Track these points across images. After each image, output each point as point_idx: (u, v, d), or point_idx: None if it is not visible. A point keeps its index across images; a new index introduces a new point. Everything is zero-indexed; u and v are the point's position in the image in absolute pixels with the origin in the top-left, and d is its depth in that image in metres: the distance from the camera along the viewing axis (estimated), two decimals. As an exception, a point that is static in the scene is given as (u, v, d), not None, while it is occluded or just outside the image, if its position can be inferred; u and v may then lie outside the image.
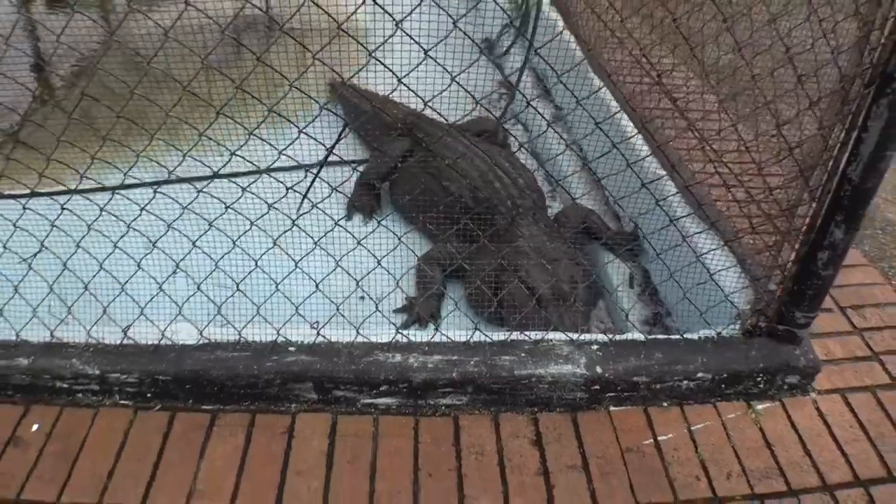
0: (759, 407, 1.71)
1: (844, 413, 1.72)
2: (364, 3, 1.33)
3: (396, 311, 2.24)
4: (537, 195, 2.56)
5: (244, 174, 1.78)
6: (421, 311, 2.22)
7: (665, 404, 1.70)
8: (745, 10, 1.51)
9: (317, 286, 1.67)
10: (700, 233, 1.87)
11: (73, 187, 1.60)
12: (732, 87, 1.66)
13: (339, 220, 1.62)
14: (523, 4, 3.76)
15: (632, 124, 2.42)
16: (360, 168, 2.92)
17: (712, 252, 1.76)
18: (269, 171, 1.59)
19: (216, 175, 1.50)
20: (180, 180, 1.58)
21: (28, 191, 1.61)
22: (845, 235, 1.45)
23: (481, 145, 2.74)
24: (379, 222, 1.82)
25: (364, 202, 2.80)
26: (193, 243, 1.65)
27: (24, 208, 1.65)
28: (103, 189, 1.81)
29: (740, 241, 1.74)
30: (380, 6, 1.49)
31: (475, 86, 1.61)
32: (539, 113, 1.65)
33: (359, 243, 1.60)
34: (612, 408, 1.70)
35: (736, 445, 1.63)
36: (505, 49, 3.86)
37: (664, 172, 2.06)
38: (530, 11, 3.56)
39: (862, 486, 1.56)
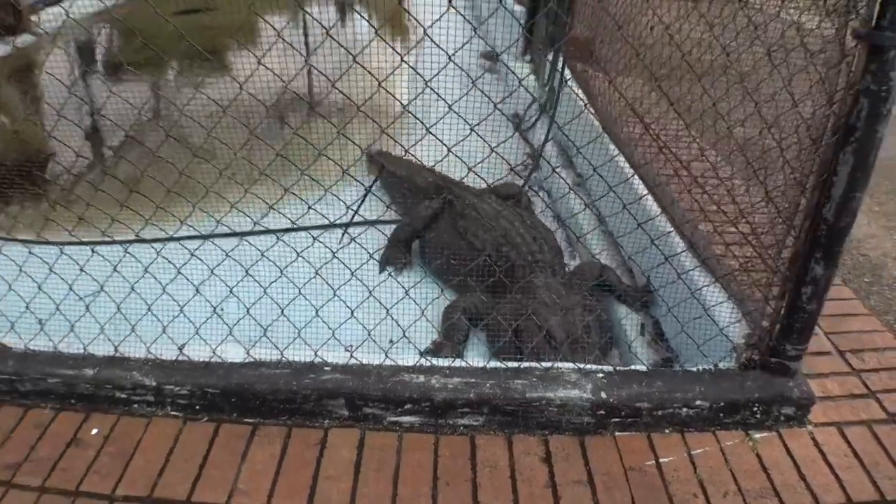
0: (757, 436, 1.86)
1: (840, 444, 1.85)
2: (408, 103, 1.62)
3: (424, 352, 2.45)
4: (555, 252, 2.78)
5: (294, 230, 2.04)
6: (446, 354, 2.41)
7: (667, 431, 1.86)
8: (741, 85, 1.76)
9: (352, 313, 1.90)
10: (693, 269, 2.06)
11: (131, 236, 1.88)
12: (724, 150, 1.90)
13: (373, 254, 1.87)
14: (548, 84, 4.12)
15: (643, 185, 2.65)
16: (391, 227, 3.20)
17: (706, 289, 1.95)
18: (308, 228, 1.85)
19: (291, 229, 1.77)
20: (237, 234, 1.85)
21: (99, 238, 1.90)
22: (825, 271, 1.64)
23: (505, 207, 2.99)
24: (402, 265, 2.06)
25: (395, 257, 3.04)
26: (246, 271, 1.90)
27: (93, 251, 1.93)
28: (167, 239, 2.10)
29: (736, 279, 1.93)
30: (436, 93, 1.75)
31: (507, 154, 1.90)
32: (562, 178, 1.91)
33: (389, 275, 1.84)
34: (616, 433, 1.86)
35: (733, 468, 1.77)
36: (531, 123, 4.19)
37: (671, 229, 2.28)
38: (555, 91, 3.90)
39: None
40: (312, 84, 4.78)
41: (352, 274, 1.88)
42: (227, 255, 1.94)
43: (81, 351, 1.95)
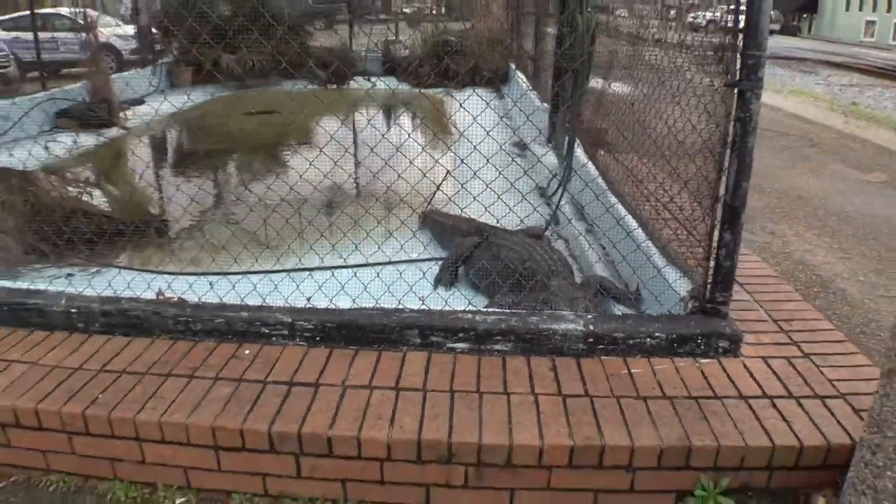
0: (702, 360, 2.79)
1: (763, 367, 2.75)
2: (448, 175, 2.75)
3: None
4: (566, 267, 3.80)
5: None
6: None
7: (637, 356, 2.80)
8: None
9: (423, 275, 2.94)
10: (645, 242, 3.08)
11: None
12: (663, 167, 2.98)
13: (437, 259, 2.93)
14: (565, 161, 5.29)
15: (628, 215, 3.71)
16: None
17: (658, 258, 2.96)
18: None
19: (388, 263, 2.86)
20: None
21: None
22: (732, 237, 2.64)
23: (530, 239, 4.06)
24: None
25: (446, 277, 4.10)
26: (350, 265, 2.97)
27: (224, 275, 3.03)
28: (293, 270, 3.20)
29: (679, 251, 2.94)
30: (480, 178, 2.89)
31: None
32: (575, 227, 2.98)
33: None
34: (602, 356, 2.81)
35: (682, 377, 2.69)
36: (552, 192, 5.32)
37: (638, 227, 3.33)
38: (569, 167, 5.06)
39: (768, 399, 2.57)
40: (359, 172, 6.11)
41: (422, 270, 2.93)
42: (332, 273, 3.01)
43: (239, 302, 3.00)
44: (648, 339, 2.79)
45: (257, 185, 6.35)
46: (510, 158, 4.00)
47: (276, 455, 2.42)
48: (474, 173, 3.14)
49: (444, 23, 14.25)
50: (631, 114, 3.57)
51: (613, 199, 3.99)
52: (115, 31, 15.77)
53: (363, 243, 4.45)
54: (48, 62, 10.56)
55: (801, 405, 2.52)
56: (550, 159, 5.96)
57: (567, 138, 5.24)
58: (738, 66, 2.45)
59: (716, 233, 2.69)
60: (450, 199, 2.95)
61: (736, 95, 2.49)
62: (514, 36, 11.73)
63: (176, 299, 3.06)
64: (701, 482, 2.35)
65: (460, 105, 3.34)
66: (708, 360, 2.78)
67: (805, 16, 46.78)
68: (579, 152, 5.06)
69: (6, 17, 17.43)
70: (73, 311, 3.04)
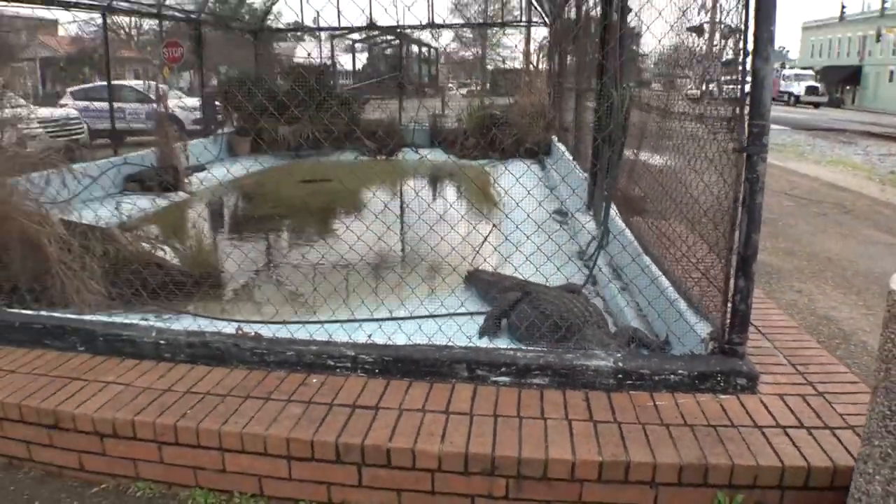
0: (721, 396, 3.13)
1: (778, 403, 3.07)
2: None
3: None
4: (600, 318, 4.19)
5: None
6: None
7: (662, 391, 3.16)
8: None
9: (471, 317, 3.37)
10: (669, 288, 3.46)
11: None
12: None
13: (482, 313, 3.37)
14: (602, 226, 5.73)
15: (660, 272, 4.11)
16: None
17: (685, 306, 3.34)
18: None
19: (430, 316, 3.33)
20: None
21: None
22: (745, 283, 3.02)
23: (567, 294, 4.47)
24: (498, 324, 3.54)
25: (491, 328, 4.51)
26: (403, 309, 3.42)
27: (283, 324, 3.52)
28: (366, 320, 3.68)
29: (702, 298, 3.32)
30: (513, 244, 3.37)
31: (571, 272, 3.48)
32: (613, 285, 3.42)
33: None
34: (630, 391, 3.17)
35: (703, 410, 3.03)
36: (590, 255, 5.74)
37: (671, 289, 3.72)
38: (606, 231, 5.50)
39: (780, 428, 2.90)
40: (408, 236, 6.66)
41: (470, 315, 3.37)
42: (379, 324, 3.47)
43: (308, 337, 3.46)
44: (672, 376, 3.14)
45: (312, 246, 6.92)
46: (551, 224, 4.47)
47: (341, 465, 2.83)
48: (510, 239, 3.60)
49: (489, 98, 15.05)
50: (659, 177, 4.03)
51: (647, 259, 4.39)
52: (178, 102, 17.00)
53: (416, 297, 4.91)
54: (117, 130, 11.52)
55: (811, 434, 2.84)
56: (589, 224, 6.40)
57: (604, 205, 5.69)
58: (745, 134, 2.89)
59: (731, 280, 3.08)
60: (487, 258, 3.43)
61: (745, 159, 2.91)
62: (555, 110, 12.39)
63: (253, 334, 3.53)
64: (718, 499, 2.67)
65: (502, 174, 3.84)
66: (727, 396, 3.12)
67: (848, 88, 47.26)
68: (615, 217, 5.49)
69: (78, 87, 18.90)
70: (161, 342, 3.54)
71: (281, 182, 10.69)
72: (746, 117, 2.91)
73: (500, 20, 18.46)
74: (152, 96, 17.87)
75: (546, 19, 14.53)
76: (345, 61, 23.13)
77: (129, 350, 3.60)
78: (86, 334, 3.67)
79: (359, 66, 25.16)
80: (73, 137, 13.21)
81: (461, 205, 9.45)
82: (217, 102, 13.11)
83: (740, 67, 2.96)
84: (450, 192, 10.74)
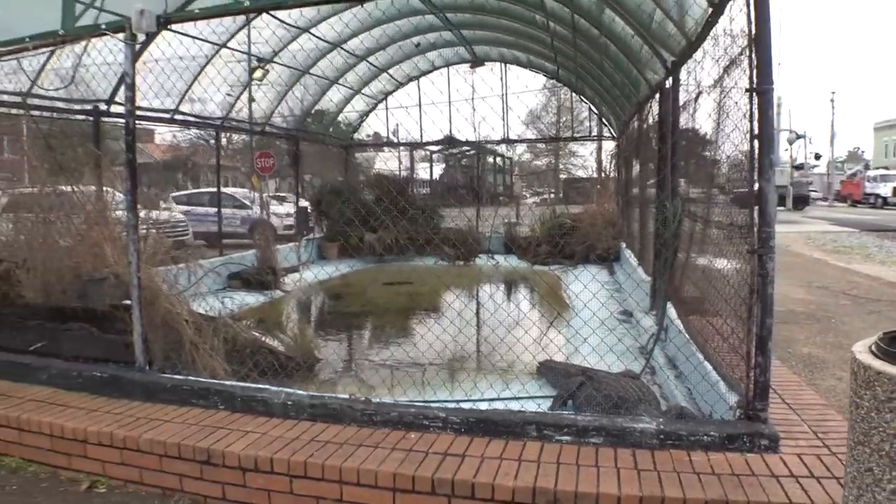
0: (747, 454, 3.88)
1: (796, 460, 3.81)
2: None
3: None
4: (653, 398, 5.00)
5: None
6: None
7: (697, 450, 3.93)
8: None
9: (542, 399, 4.27)
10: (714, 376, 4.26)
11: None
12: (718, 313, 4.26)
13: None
14: (659, 322, 6.57)
15: (701, 354, 4.93)
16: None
17: (715, 377, 4.16)
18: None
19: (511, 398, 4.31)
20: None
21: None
22: (763, 359, 3.83)
23: (624, 378, 5.31)
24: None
25: (558, 406, 5.36)
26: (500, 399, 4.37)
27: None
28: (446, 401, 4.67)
29: (729, 371, 4.13)
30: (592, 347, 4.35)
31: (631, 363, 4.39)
32: (666, 373, 4.33)
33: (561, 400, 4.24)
34: (670, 449, 3.96)
35: (730, 463, 3.79)
36: (650, 346, 6.57)
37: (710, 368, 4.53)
38: (661, 327, 6.34)
39: (794, 478, 3.63)
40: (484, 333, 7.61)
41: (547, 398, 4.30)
42: (473, 403, 4.43)
43: (407, 400, 4.42)
44: (705, 437, 3.94)
45: (399, 340, 7.96)
46: (616, 321, 5.40)
47: (435, 496, 3.71)
48: (579, 334, 4.54)
49: (561, 206, 16.22)
50: (701, 276, 4.93)
51: (693, 347, 5.22)
52: (272, 210, 18.89)
53: (495, 384, 5.84)
54: (216, 233, 13.10)
55: (819, 482, 3.58)
56: (649, 321, 7.23)
57: (661, 303, 6.56)
58: (756, 238, 3.79)
59: (752, 357, 3.90)
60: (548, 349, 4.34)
61: (756, 259, 3.80)
62: (623, 218, 13.38)
63: (363, 399, 4.51)
64: (737, 530, 3.42)
65: (574, 280, 4.83)
66: (752, 455, 3.88)
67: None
68: (671, 313, 6.34)
69: (181, 193, 21.18)
70: (289, 403, 4.56)
71: (367, 284, 11.92)
72: (756, 225, 3.82)
73: (571, 131, 19.90)
74: (247, 203, 19.92)
75: (613, 133, 15.79)
76: (422, 169, 24.94)
77: (261, 409, 4.63)
78: (226, 395, 4.74)
79: (436, 174, 26.98)
80: (181, 238, 14.93)
81: (534, 304, 10.42)
82: (309, 210, 14.69)
83: (750, 187, 3.91)
84: (524, 293, 11.72)
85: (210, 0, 8.39)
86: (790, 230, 25.61)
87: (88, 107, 9.57)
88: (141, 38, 4.92)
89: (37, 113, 8.59)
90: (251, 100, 13.41)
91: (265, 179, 22.98)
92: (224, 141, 44.93)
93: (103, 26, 5.11)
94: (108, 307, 5.40)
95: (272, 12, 9.82)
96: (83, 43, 6.51)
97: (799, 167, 56.08)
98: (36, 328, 5.62)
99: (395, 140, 18.94)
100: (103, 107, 9.85)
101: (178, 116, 11.58)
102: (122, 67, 5.10)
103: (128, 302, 5.20)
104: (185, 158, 33.68)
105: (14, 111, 8.74)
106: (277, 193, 28.17)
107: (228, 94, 12.61)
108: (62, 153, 7.17)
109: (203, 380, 5.00)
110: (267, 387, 4.79)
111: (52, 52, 8.32)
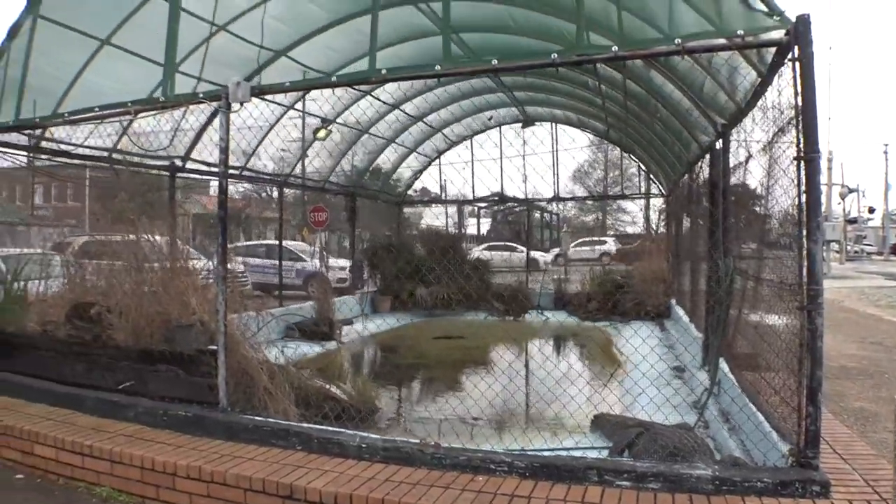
0: (800, 500, 4.15)
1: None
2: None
3: None
4: (707, 448, 5.28)
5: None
6: None
7: (751, 496, 4.21)
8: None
9: (599, 451, 4.62)
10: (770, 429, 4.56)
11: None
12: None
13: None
14: (712, 377, 6.85)
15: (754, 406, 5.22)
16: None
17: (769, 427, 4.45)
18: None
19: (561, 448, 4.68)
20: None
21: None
22: (814, 410, 4.13)
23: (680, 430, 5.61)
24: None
25: (617, 454, 5.67)
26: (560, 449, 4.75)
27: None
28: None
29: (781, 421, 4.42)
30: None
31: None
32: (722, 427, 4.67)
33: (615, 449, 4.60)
34: (726, 495, 4.25)
35: (784, 510, 4.08)
36: (704, 401, 6.84)
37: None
38: (714, 381, 6.63)
39: (843, 522, 3.91)
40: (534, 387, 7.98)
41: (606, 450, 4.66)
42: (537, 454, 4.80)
43: (474, 447, 4.80)
44: (759, 483, 4.22)
45: (454, 393, 8.35)
46: (668, 376, 5.74)
47: (504, 533, 4.06)
48: (635, 387, 4.90)
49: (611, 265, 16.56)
50: (753, 331, 5.27)
51: (746, 398, 5.51)
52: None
53: (552, 437, 6.17)
54: (274, 284, 13.72)
55: (866, 524, 3.85)
56: (703, 377, 7.50)
57: (714, 358, 6.85)
58: (805, 296, 4.13)
59: (803, 407, 4.20)
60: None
61: (806, 314, 4.14)
62: (673, 275, 13.64)
63: (434, 443, 4.90)
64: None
65: (628, 338, 5.23)
66: (804, 500, 4.15)
67: None
68: (725, 368, 6.63)
69: (239, 244, 22.11)
70: (363, 445, 4.96)
71: (419, 337, 12.35)
72: (805, 283, 4.17)
73: (620, 187, 20.30)
74: (302, 256, 20.68)
75: (662, 190, 16.14)
76: (470, 224, 25.54)
77: (336, 450, 5.04)
78: (304, 436, 5.17)
79: (483, 229, 27.56)
80: (241, 289, 15.60)
81: (585, 359, 10.72)
82: (363, 264, 15.29)
83: (799, 249, 4.27)
84: (574, 349, 12.02)
85: (281, 65, 9.17)
86: (843, 285, 25.41)
87: (166, 163, 10.30)
88: (235, 107, 5.51)
89: (119, 167, 9.36)
90: (304, 156, 14.14)
91: (316, 233, 23.77)
92: (275, 194, 46.59)
93: (201, 95, 5.74)
94: (194, 351, 5.89)
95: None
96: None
97: (852, 221, 55.48)
98: (125, 368, 6.15)
99: (443, 195, 19.59)
100: (178, 163, 10.60)
101: (245, 173, 12.33)
102: (218, 133, 5.69)
103: (213, 347, 5.69)
104: (240, 211, 34.92)
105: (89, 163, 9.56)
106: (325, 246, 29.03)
107: (285, 151, 13.35)
108: (146, 205, 7.83)
109: (282, 422, 5.44)
110: (343, 430, 5.20)
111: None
